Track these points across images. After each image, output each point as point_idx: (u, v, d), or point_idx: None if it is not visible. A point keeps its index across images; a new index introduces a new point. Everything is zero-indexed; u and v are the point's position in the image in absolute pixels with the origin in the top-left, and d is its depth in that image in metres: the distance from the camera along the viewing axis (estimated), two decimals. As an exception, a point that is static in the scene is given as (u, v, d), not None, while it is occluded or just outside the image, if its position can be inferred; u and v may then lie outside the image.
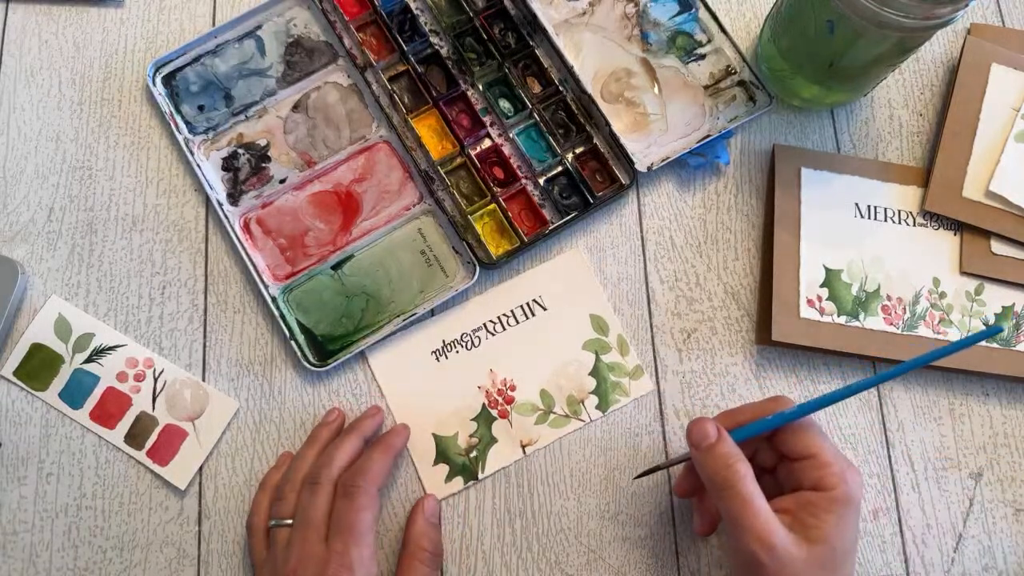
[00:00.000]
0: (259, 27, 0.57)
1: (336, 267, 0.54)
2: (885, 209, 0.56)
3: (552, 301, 0.55)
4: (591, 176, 0.56)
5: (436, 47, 0.57)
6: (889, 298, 0.54)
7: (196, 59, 0.57)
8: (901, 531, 0.52)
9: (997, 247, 0.55)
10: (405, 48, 0.56)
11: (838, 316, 0.53)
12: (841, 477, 0.41)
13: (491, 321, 0.54)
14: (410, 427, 0.52)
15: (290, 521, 0.47)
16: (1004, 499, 0.53)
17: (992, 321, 0.54)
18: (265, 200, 0.55)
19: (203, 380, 0.52)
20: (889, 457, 0.53)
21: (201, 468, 0.51)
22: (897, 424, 0.54)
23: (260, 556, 0.47)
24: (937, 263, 0.55)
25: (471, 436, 0.52)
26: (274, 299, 0.53)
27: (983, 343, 0.53)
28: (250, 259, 0.53)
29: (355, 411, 0.52)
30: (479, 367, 0.53)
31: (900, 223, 0.56)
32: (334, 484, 0.47)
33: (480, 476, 0.52)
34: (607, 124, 0.56)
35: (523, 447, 0.52)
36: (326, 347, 0.53)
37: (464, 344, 0.54)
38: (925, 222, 0.56)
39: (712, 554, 0.51)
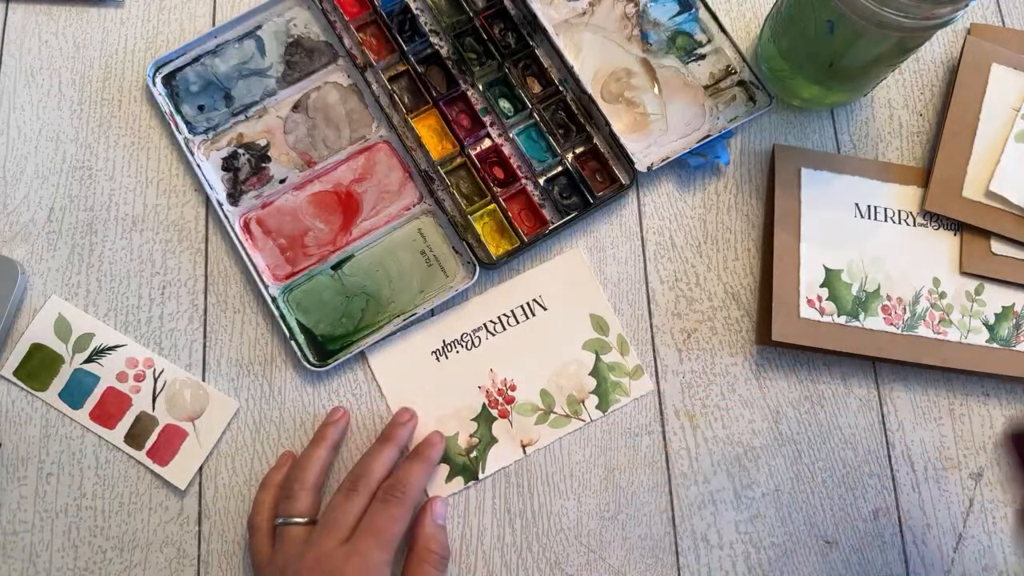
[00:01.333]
0: (259, 27, 0.57)
1: (336, 267, 0.54)
2: (885, 209, 0.56)
3: (552, 301, 0.55)
4: (591, 176, 0.56)
5: (436, 47, 0.57)
6: (889, 298, 0.54)
7: (196, 59, 0.57)
8: (901, 531, 0.52)
9: (997, 247, 0.55)
10: (405, 48, 0.56)
11: (838, 316, 0.53)
12: None
13: (491, 321, 0.54)
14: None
15: (299, 520, 0.47)
16: (1004, 499, 0.53)
17: (992, 322, 0.54)
18: (265, 200, 0.55)
19: (203, 380, 0.52)
20: (889, 457, 0.53)
21: (201, 468, 0.51)
22: (897, 424, 0.54)
23: (263, 555, 0.47)
24: (937, 263, 0.55)
25: (471, 436, 0.52)
26: (274, 299, 0.53)
27: (983, 343, 0.53)
28: (250, 259, 0.53)
29: (355, 411, 0.52)
30: (479, 367, 0.53)
31: (900, 223, 0.56)
32: (371, 495, 0.47)
33: (480, 476, 0.52)
34: (607, 124, 0.56)
35: (523, 447, 0.52)
36: (326, 347, 0.53)
37: (464, 344, 0.54)
38: (925, 222, 0.56)
39: (712, 554, 0.51)
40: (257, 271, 0.53)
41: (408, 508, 0.47)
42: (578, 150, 0.56)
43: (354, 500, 0.47)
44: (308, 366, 0.52)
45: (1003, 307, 0.55)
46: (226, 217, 0.54)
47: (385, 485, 0.47)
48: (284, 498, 0.48)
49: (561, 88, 0.57)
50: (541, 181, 0.56)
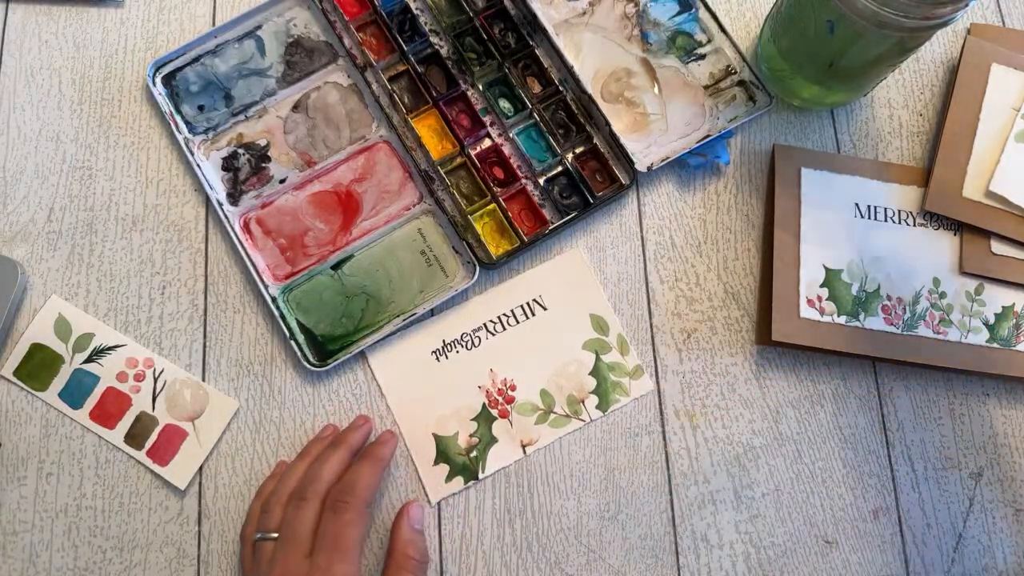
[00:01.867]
0: (259, 27, 0.57)
1: (336, 267, 0.54)
2: (885, 209, 0.56)
3: (552, 301, 0.55)
4: (591, 176, 0.56)
5: (436, 47, 0.57)
6: (889, 298, 0.54)
7: (196, 59, 0.57)
8: (901, 531, 0.52)
9: (997, 247, 0.55)
10: (405, 48, 0.56)
11: (838, 316, 0.53)
12: None
13: (491, 321, 0.54)
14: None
15: (275, 535, 0.46)
16: (1004, 499, 0.53)
17: (992, 322, 0.54)
18: (265, 200, 0.55)
19: (203, 380, 0.52)
20: (889, 457, 0.53)
21: (201, 468, 0.51)
22: (897, 424, 0.54)
23: (247, 567, 0.47)
24: (937, 263, 0.55)
25: (471, 436, 0.52)
26: (274, 299, 0.53)
27: (983, 343, 0.53)
28: (250, 259, 0.53)
29: (355, 411, 0.52)
30: (479, 367, 0.53)
31: (900, 223, 0.56)
32: (321, 499, 0.46)
33: (480, 476, 0.52)
34: (607, 124, 0.56)
35: (523, 447, 0.52)
36: (326, 347, 0.53)
37: (464, 344, 0.54)
38: (925, 222, 0.56)
39: (712, 554, 0.51)
40: (257, 271, 0.53)
41: (359, 511, 0.46)
42: (578, 150, 0.56)
43: (304, 509, 0.46)
44: (308, 366, 0.52)
45: (1003, 307, 0.55)
46: (226, 217, 0.54)
47: (333, 491, 0.46)
48: (263, 512, 0.47)
49: (561, 88, 0.57)
50: (541, 181, 0.56)
